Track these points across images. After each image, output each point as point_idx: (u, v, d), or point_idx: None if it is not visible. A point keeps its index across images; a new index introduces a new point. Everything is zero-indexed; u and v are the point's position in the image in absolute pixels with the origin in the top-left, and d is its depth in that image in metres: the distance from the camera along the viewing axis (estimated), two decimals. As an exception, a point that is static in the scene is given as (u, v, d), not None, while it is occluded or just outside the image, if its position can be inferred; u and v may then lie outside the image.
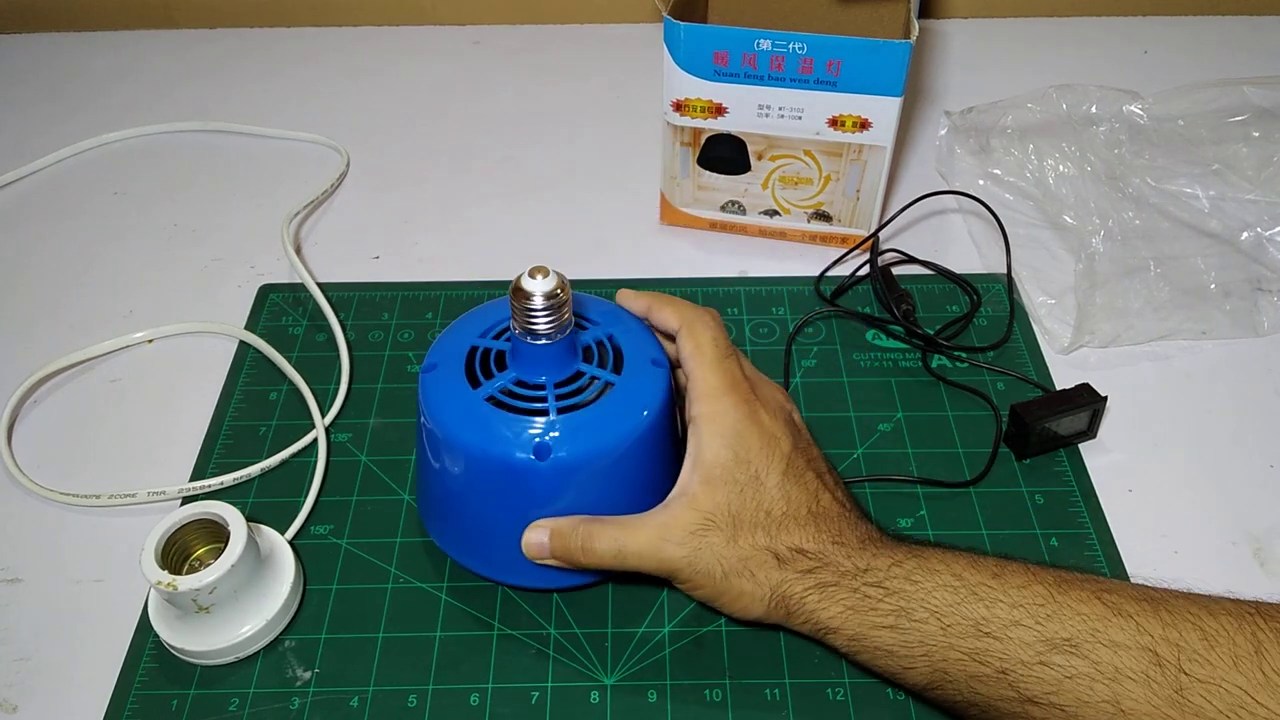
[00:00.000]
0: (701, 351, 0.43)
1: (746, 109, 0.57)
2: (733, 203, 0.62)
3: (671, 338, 0.45)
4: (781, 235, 0.63)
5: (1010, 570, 0.37)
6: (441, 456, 0.42)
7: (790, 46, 0.54)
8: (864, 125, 0.56)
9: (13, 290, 0.62)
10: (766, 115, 0.57)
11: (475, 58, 0.84)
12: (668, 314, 0.44)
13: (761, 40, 0.54)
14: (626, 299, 0.46)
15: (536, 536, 0.42)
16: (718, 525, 0.40)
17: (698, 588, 0.40)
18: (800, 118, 0.57)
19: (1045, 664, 0.35)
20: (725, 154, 0.60)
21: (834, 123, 0.57)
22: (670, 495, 0.41)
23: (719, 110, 0.57)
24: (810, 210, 0.62)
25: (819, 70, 0.55)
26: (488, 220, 0.67)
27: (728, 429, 0.41)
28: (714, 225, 0.64)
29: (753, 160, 0.60)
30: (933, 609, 0.37)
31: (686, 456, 0.42)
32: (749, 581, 0.40)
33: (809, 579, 0.39)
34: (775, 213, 0.62)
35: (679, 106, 0.58)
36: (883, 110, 0.56)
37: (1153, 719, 0.33)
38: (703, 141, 0.60)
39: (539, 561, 0.42)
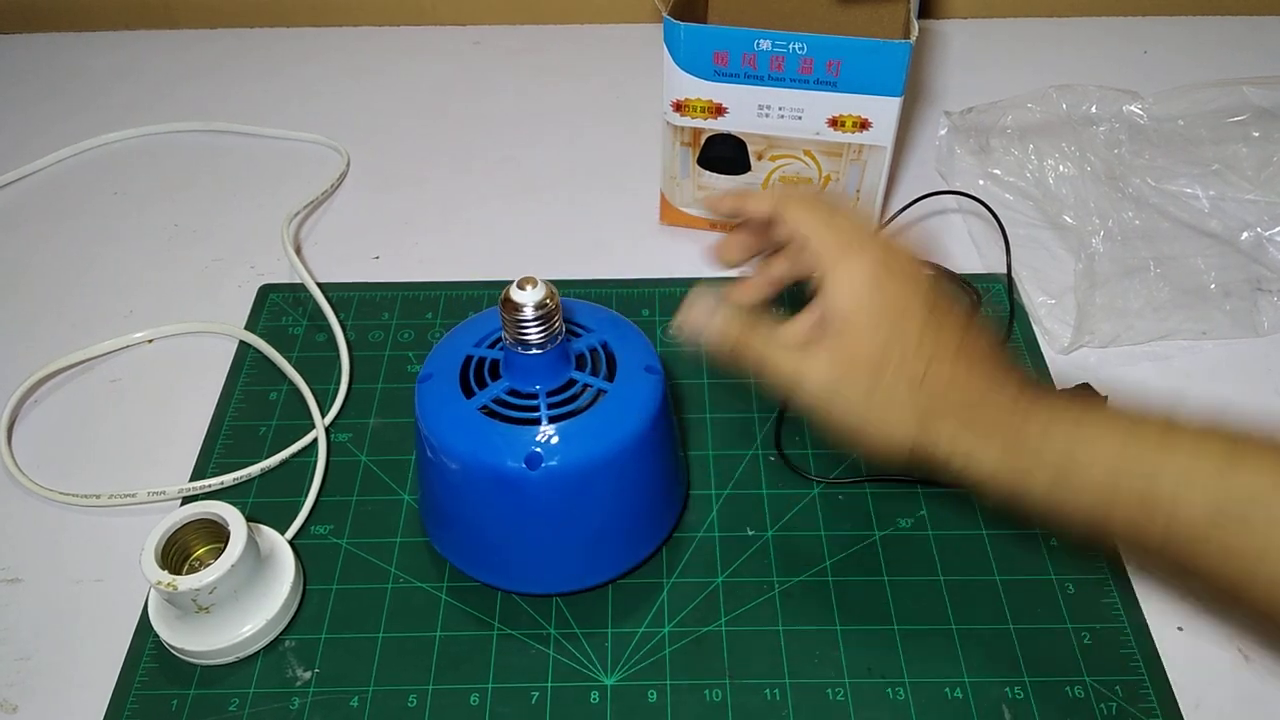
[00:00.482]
0: (809, 217, 0.41)
1: (746, 109, 0.57)
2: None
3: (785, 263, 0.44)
4: None
5: (1179, 431, 0.36)
6: (438, 466, 0.42)
7: (790, 47, 0.54)
8: (864, 125, 0.56)
9: (13, 290, 0.62)
10: (766, 115, 0.57)
11: (475, 58, 0.84)
12: (756, 205, 0.43)
13: (761, 40, 0.54)
14: (715, 204, 0.46)
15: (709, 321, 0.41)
16: (863, 362, 0.38)
17: (846, 414, 0.39)
18: (800, 118, 0.57)
19: (1213, 526, 0.34)
20: (725, 154, 0.60)
21: (834, 123, 0.57)
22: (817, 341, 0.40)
23: (719, 110, 0.57)
24: None
25: (819, 70, 0.55)
26: (488, 220, 0.67)
27: (865, 272, 0.39)
28: (714, 225, 0.64)
29: (753, 160, 0.60)
30: (1097, 459, 0.36)
31: (816, 312, 0.41)
32: (896, 411, 0.38)
33: (962, 414, 0.38)
34: None
35: (679, 107, 0.58)
36: (882, 110, 0.56)
37: None
38: (703, 142, 0.60)
39: (697, 332, 0.42)
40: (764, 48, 0.54)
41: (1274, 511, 0.33)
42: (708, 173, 0.61)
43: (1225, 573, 0.34)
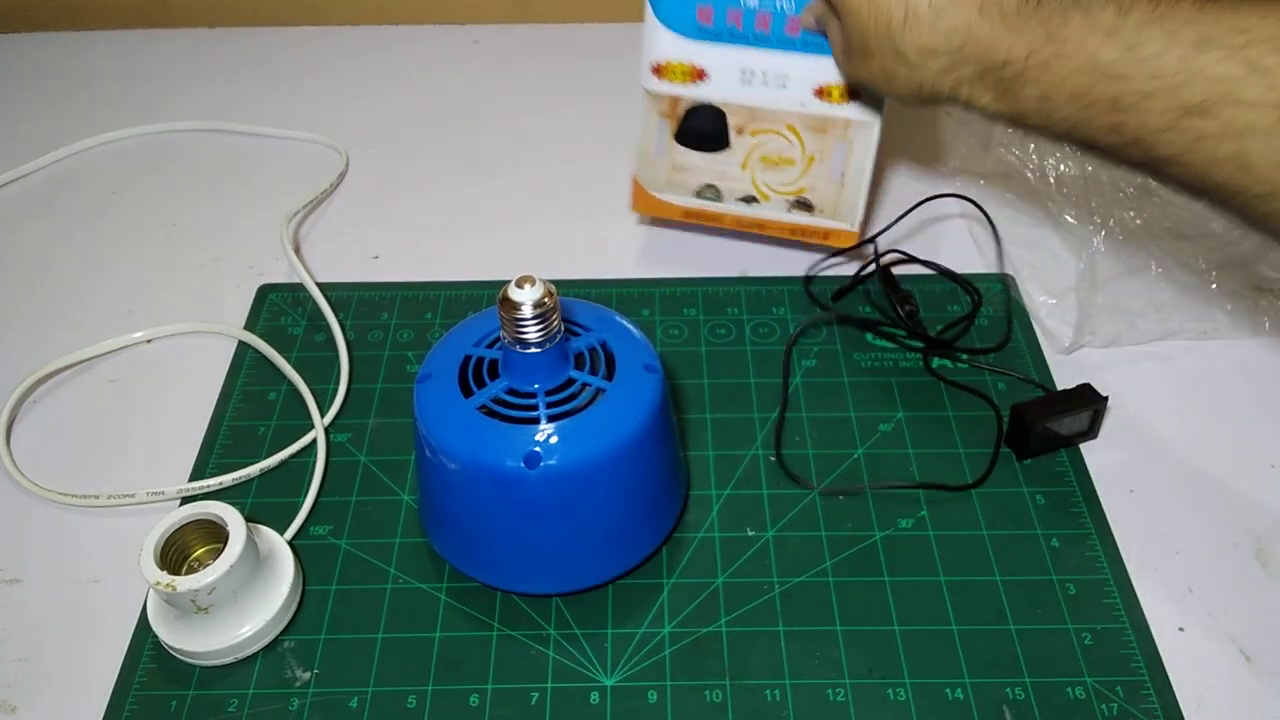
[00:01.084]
0: None
1: (729, 75, 0.54)
2: (709, 187, 0.58)
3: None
4: (760, 227, 0.59)
5: (1146, 39, 0.37)
6: (437, 465, 0.42)
7: (778, 4, 0.51)
8: (853, 95, 0.53)
9: (12, 290, 0.62)
10: (749, 83, 0.54)
11: (475, 57, 0.84)
12: None
13: None
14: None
15: (805, 15, 0.50)
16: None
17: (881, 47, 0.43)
18: (785, 86, 0.53)
19: (1176, 129, 0.36)
20: (704, 127, 0.56)
21: (821, 93, 0.53)
22: None
23: (699, 74, 0.54)
24: (791, 197, 0.57)
25: (806, 31, 0.52)
26: (487, 220, 0.67)
27: None
28: (688, 214, 0.59)
29: (732, 135, 0.56)
30: (1070, 93, 0.39)
31: None
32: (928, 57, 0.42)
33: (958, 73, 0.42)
34: (753, 199, 0.58)
35: (658, 71, 0.54)
36: None
37: (1275, 169, 0.35)
38: (681, 114, 0.56)
39: (808, 28, 0.51)
40: (750, 3, 0.52)
41: (1238, 96, 0.35)
42: (684, 149, 0.57)
43: (1190, 160, 0.37)
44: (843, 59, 0.48)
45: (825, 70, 0.52)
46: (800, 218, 0.58)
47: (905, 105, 0.45)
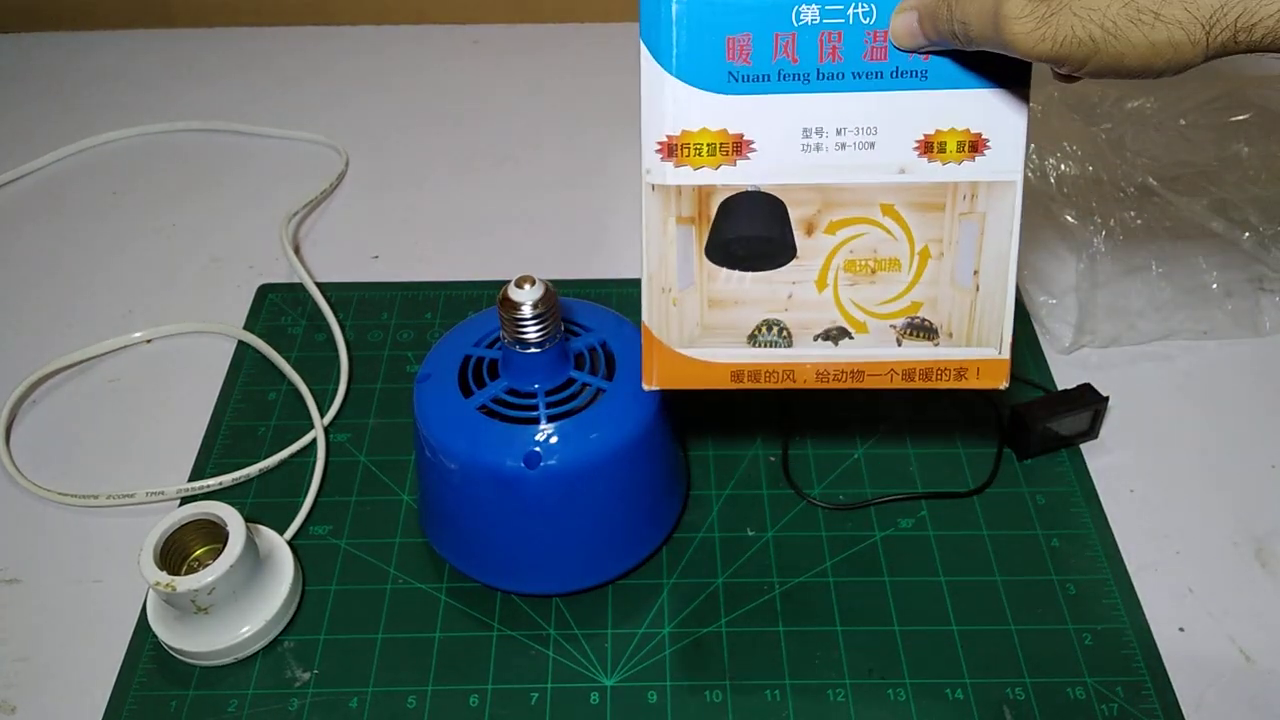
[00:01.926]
0: None
1: (785, 140, 0.36)
2: (770, 325, 0.38)
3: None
4: (857, 377, 0.39)
5: None
6: (436, 466, 0.42)
7: (851, 11, 0.34)
8: (976, 146, 0.36)
9: (12, 290, 0.62)
10: (818, 147, 0.36)
11: (475, 57, 0.84)
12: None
13: (805, 8, 0.34)
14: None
15: (904, 21, 0.33)
16: None
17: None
18: (873, 145, 0.36)
19: None
20: (751, 229, 0.37)
21: (927, 147, 0.36)
22: None
23: (738, 147, 0.36)
24: (900, 320, 0.38)
25: (898, 54, 0.35)
26: (486, 220, 0.67)
27: None
28: (739, 377, 0.39)
29: (799, 237, 0.37)
30: None
31: None
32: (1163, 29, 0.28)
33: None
34: (843, 333, 0.38)
35: (671, 150, 0.36)
36: (1004, 114, 0.35)
37: None
38: (714, 214, 0.37)
39: (911, 44, 0.34)
40: (809, 19, 0.34)
41: None
42: (724, 273, 0.37)
43: None
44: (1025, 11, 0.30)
45: (931, 109, 0.35)
46: (918, 350, 0.39)
47: (1132, 77, 0.30)
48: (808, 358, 0.38)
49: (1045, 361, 0.56)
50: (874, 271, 0.37)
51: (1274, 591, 0.45)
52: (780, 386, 0.39)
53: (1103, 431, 0.52)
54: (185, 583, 0.40)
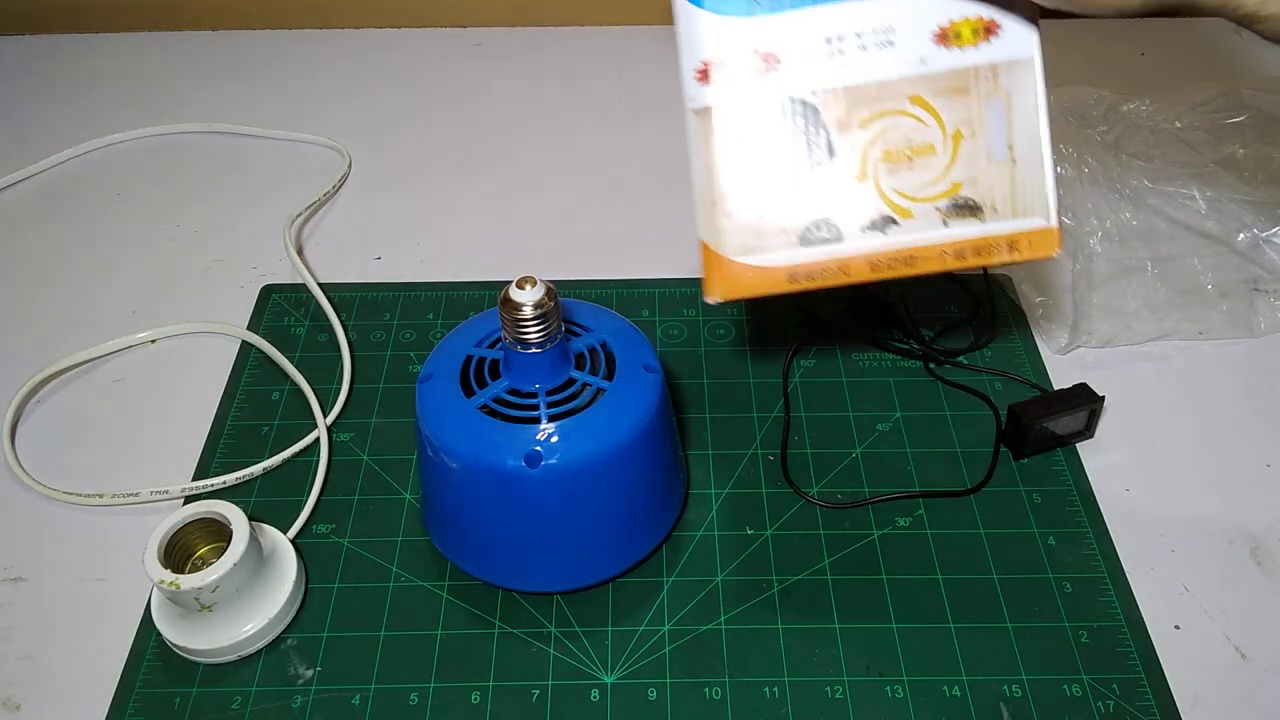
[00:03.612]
0: None
1: (808, 52, 0.37)
2: (819, 223, 0.39)
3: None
4: (910, 263, 0.39)
5: None
6: (438, 465, 0.43)
7: None
8: (990, 30, 0.37)
9: (16, 291, 0.63)
10: (840, 53, 0.37)
11: (477, 60, 0.84)
12: None
13: None
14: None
15: None
16: None
17: None
18: (892, 43, 0.37)
19: None
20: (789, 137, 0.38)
21: (945, 37, 0.37)
22: None
23: (767, 62, 0.37)
24: (944, 201, 0.38)
25: None
26: (489, 221, 0.67)
27: None
28: (798, 278, 0.39)
29: (834, 137, 0.38)
30: None
31: None
32: None
33: None
34: (890, 220, 0.38)
35: (706, 74, 0.37)
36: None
37: None
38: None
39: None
40: None
41: None
42: (771, 175, 0.38)
43: None
44: None
45: (945, 3, 0.37)
46: (966, 228, 0.39)
47: (1082, 13, 0.32)
48: (859, 249, 0.38)
49: (1041, 361, 0.56)
50: (910, 158, 0.38)
51: (1269, 589, 0.46)
52: (836, 283, 0.39)
53: (1099, 431, 0.52)
54: (189, 581, 0.41)
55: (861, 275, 0.39)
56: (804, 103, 0.38)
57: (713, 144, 0.38)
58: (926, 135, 0.38)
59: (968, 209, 0.39)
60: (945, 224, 0.38)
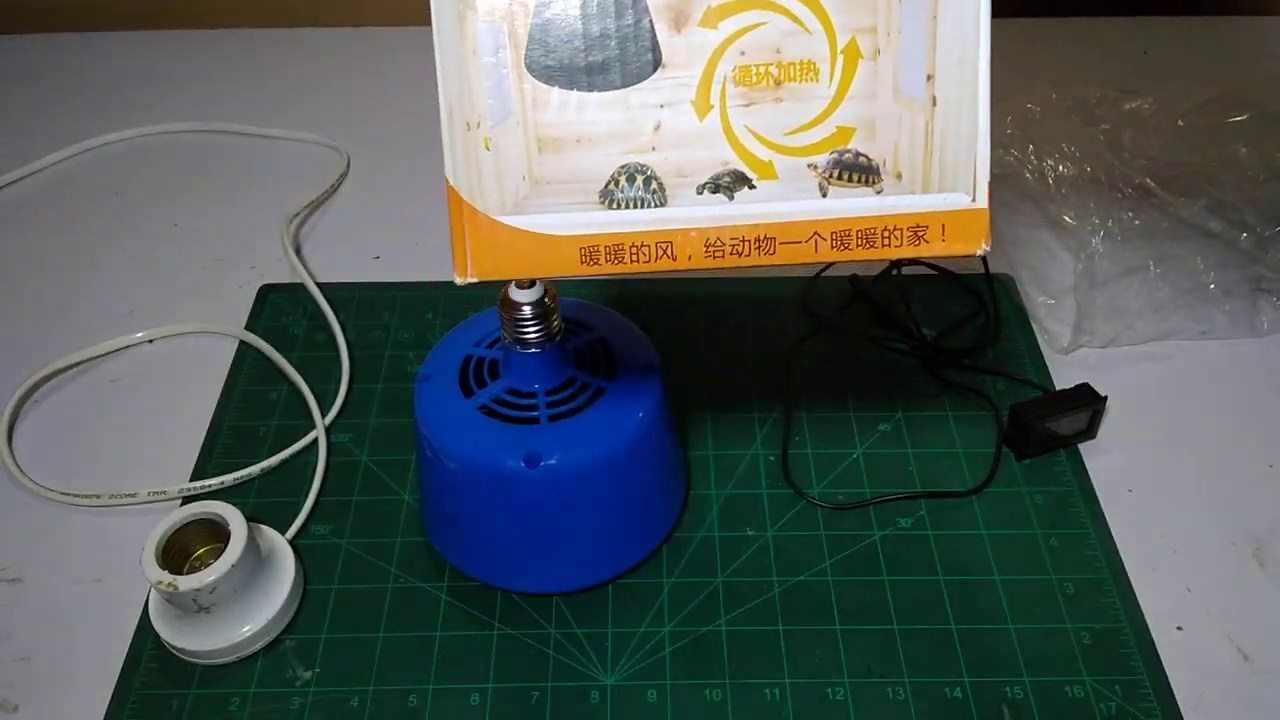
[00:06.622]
0: None
1: None
2: (633, 173, 0.26)
3: None
4: (766, 248, 0.27)
5: None
6: (437, 465, 0.42)
7: None
8: None
9: (13, 290, 0.63)
10: None
11: (475, 58, 0.84)
12: None
13: None
14: None
15: None
16: None
17: None
18: None
19: None
20: (588, 26, 0.25)
21: None
22: None
23: None
24: (822, 155, 0.26)
25: None
26: (488, 221, 0.67)
27: None
28: (592, 256, 0.26)
29: (664, 35, 0.25)
30: None
31: None
32: None
33: None
34: (740, 180, 0.26)
35: None
36: None
37: None
38: (530, 10, 0.25)
39: None
40: None
41: None
42: (557, 95, 0.25)
43: None
44: None
45: None
46: (852, 201, 0.26)
47: None
48: (691, 220, 0.26)
49: (1044, 361, 0.56)
50: (779, 83, 0.25)
51: (1272, 591, 0.46)
52: (654, 269, 0.26)
53: (1101, 431, 0.52)
54: (187, 582, 0.40)
55: (693, 261, 0.26)
56: None
57: (473, 31, 0.24)
58: (805, 47, 0.25)
59: (858, 171, 0.26)
60: (823, 191, 0.26)
